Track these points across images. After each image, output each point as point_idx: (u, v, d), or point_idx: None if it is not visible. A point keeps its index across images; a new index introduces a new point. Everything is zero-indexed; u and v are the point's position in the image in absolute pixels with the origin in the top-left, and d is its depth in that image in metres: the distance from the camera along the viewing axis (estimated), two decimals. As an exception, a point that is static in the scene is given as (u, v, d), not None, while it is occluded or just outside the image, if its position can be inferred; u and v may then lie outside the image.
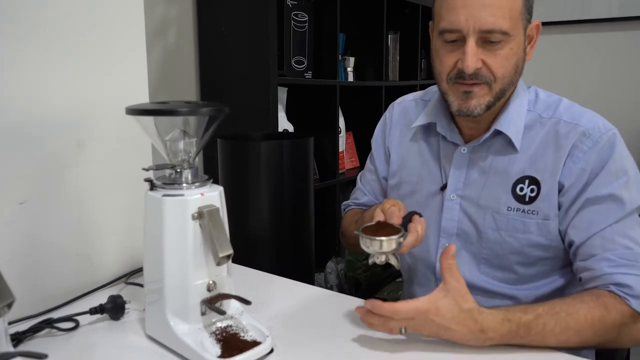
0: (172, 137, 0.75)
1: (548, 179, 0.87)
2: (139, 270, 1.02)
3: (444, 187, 0.98)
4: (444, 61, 0.87)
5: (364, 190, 1.17)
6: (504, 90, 0.87)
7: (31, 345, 0.77)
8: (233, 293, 0.79)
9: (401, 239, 0.75)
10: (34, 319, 0.83)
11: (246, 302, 0.75)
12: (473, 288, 0.92)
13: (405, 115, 1.09)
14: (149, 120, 0.72)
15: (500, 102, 0.89)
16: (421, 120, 1.01)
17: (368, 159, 1.17)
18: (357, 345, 0.77)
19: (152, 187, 0.75)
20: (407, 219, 0.82)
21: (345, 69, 2.21)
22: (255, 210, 1.29)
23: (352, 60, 2.24)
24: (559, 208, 0.87)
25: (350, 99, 2.24)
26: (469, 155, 0.95)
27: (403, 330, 0.74)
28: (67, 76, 0.90)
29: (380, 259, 0.76)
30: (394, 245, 0.75)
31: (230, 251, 0.73)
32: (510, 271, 0.93)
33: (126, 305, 0.86)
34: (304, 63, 1.90)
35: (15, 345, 0.75)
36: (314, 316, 0.87)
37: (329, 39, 1.95)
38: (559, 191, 0.87)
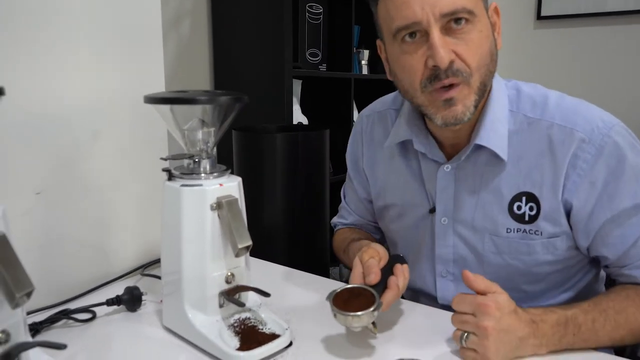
0: (191, 127, 0.74)
1: (548, 195, 0.78)
2: (155, 261, 1.02)
3: (433, 210, 0.89)
4: (411, 67, 0.75)
5: (349, 210, 1.10)
6: (484, 84, 0.76)
7: (49, 336, 0.76)
8: (251, 285, 0.78)
9: (375, 312, 0.68)
10: (51, 309, 0.83)
11: (265, 294, 0.74)
12: None
13: (376, 130, 0.98)
14: (167, 109, 0.71)
15: (480, 103, 0.78)
16: (395, 138, 0.91)
17: (347, 174, 1.08)
18: (374, 339, 0.75)
19: (170, 177, 0.74)
20: (389, 269, 0.77)
21: (359, 62, 2.19)
22: (270, 203, 1.28)
23: (366, 53, 2.22)
24: (571, 227, 0.80)
25: (364, 92, 2.22)
26: (454, 172, 0.85)
27: (464, 341, 0.67)
28: (82, 67, 0.89)
29: (356, 329, 0.71)
30: (367, 319, 0.68)
31: (250, 242, 0.72)
32: (518, 290, 0.86)
33: (143, 297, 0.85)
34: (318, 55, 1.88)
35: (33, 336, 0.75)
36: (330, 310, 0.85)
37: (343, 32, 1.94)
38: (568, 211, 0.78)
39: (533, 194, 0.80)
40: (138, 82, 0.98)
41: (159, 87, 1.03)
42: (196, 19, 1.75)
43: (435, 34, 0.71)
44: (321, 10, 1.85)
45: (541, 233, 0.80)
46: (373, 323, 0.71)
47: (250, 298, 0.79)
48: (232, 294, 0.74)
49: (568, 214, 0.79)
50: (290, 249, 1.34)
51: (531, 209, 0.80)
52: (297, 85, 1.81)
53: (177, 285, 0.74)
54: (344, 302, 0.71)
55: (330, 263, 1.49)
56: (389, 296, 0.73)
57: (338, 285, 0.76)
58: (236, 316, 0.76)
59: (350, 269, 0.82)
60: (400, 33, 0.74)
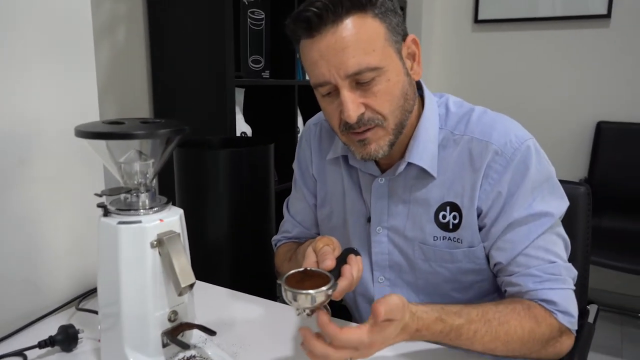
0: (127, 159, 0.70)
1: (467, 204, 0.84)
2: (91, 291, 0.96)
3: (369, 219, 0.93)
4: (329, 115, 0.82)
5: (294, 222, 1.08)
6: (401, 123, 0.81)
7: (-27, 387, 0.70)
8: (196, 321, 0.75)
9: (330, 291, 0.65)
10: (-24, 354, 0.77)
11: (211, 332, 0.72)
12: None
13: (323, 138, 1.02)
14: (102, 142, 0.67)
15: (406, 129, 0.83)
16: (334, 153, 0.95)
17: (293, 185, 1.09)
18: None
19: (106, 213, 0.70)
20: (342, 259, 0.75)
21: (303, 67, 2.17)
22: (214, 221, 1.25)
23: (309, 57, 2.20)
24: (480, 231, 0.85)
25: (308, 97, 2.21)
26: (388, 185, 0.90)
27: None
28: (6, 90, 0.82)
29: (307, 312, 0.66)
30: (321, 299, 0.65)
31: (193, 280, 0.69)
32: (448, 297, 0.91)
33: (79, 335, 0.80)
34: (261, 62, 1.84)
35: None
36: (279, 336, 0.84)
37: (286, 37, 1.91)
38: (478, 216, 0.84)
39: (456, 204, 0.85)
40: (69, 103, 0.92)
41: (92, 105, 0.97)
42: (132, 25, 1.67)
43: (344, 92, 0.76)
44: (263, 16, 1.82)
45: (462, 241, 0.86)
46: (325, 308, 0.67)
47: (195, 334, 0.76)
48: (175, 334, 0.71)
49: (478, 220, 0.85)
50: (235, 266, 1.31)
51: (454, 217, 0.86)
52: (239, 94, 1.76)
53: (116, 326, 0.70)
54: (297, 282, 0.67)
55: (280, 275, 1.47)
56: (342, 284, 0.70)
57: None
58: (181, 355, 0.73)
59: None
60: (316, 87, 0.80)
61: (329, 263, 0.70)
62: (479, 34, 2.87)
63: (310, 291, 0.64)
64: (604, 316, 2.45)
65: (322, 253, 0.73)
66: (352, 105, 0.76)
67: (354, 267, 0.72)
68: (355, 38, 0.74)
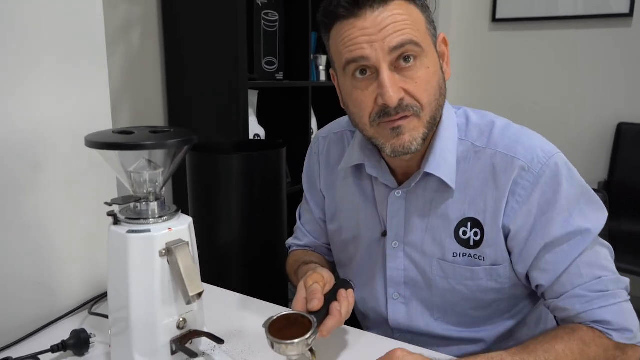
0: (137, 168, 0.71)
1: (490, 221, 0.80)
2: (103, 295, 0.98)
3: (385, 233, 0.90)
4: (361, 102, 0.77)
5: (304, 231, 1.09)
6: (434, 117, 0.78)
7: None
8: (205, 329, 0.75)
9: (310, 340, 0.68)
10: (-9, 357, 0.78)
11: (219, 340, 0.72)
12: (430, 336, 0.90)
13: (332, 152, 0.99)
14: (112, 152, 0.68)
15: (429, 136, 0.80)
16: (348, 162, 0.92)
17: (304, 195, 1.08)
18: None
19: (116, 221, 0.71)
20: (333, 294, 0.76)
21: (317, 68, 2.17)
22: (226, 223, 1.25)
23: (324, 58, 2.20)
24: (510, 253, 0.82)
25: (322, 98, 2.20)
26: (405, 198, 0.87)
27: None
28: (19, 95, 0.83)
29: (293, 358, 0.69)
30: (300, 350, 0.68)
31: (201, 289, 0.69)
32: (465, 316, 0.88)
33: (91, 340, 0.81)
34: (274, 64, 1.85)
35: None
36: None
37: (300, 39, 1.91)
38: (507, 236, 0.81)
39: (477, 220, 0.82)
40: (82, 110, 0.93)
41: (105, 113, 0.98)
42: (146, 27, 1.68)
43: (385, 73, 0.73)
44: (277, 18, 1.82)
45: (484, 259, 0.82)
46: (311, 350, 0.70)
47: (204, 341, 0.77)
48: (184, 341, 0.71)
49: (506, 240, 0.81)
50: (247, 269, 1.32)
51: (476, 234, 0.82)
52: (253, 96, 1.77)
53: (125, 333, 0.71)
54: (280, 329, 0.70)
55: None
56: (330, 323, 0.73)
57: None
58: (189, 362, 0.73)
59: None
60: (349, 66, 0.76)
61: (316, 304, 0.73)
62: (497, 33, 2.83)
63: (293, 341, 0.67)
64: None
65: (310, 292, 0.75)
66: (394, 86, 0.73)
67: (343, 304, 0.75)
68: (401, 18, 0.73)
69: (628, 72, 2.50)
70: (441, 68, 0.80)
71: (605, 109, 2.57)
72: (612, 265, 0.80)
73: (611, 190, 2.43)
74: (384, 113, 0.75)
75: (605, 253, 0.80)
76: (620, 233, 2.32)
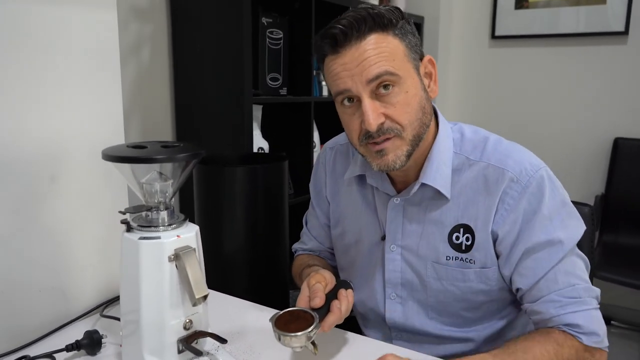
0: (149, 180, 0.77)
1: (481, 227, 0.88)
2: (114, 299, 1.03)
3: (384, 237, 0.98)
4: (350, 126, 0.86)
5: (310, 235, 1.17)
6: (419, 135, 0.86)
7: (7, 386, 0.77)
8: (209, 330, 0.81)
9: (312, 333, 0.76)
10: (10, 355, 0.84)
11: (222, 340, 0.77)
12: (425, 335, 0.97)
13: (337, 162, 1.08)
14: (125, 165, 0.74)
15: (422, 148, 0.88)
16: (352, 172, 1.00)
17: (310, 202, 1.16)
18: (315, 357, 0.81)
19: (129, 229, 0.77)
20: (333, 294, 0.84)
21: (319, 83, 2.24)
22: (231, 233, 1.31)
23: (326, 74, 2.27)
24: (498, 256, 0.89)
25: (324, 112, 2.27)
26: (403, 205, 0.95)
27: None
28: (39, 109, 0.90)
29: (296, 349, 0.78)
30: (303, 342, 0.76)
31: (207, 292, 0.75)
32: (457, 316, 0.95)
33: (103, 340, 0.87)
34: (279, 80, 1.91)
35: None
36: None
37: (303, 56, 1.98)
38: (495, 240, 0.88)
39: (469, 226, 0.89)
40: (95, 124, 1.00)
41: (118, 126, 1.04)
42: (156, 45, 1.76)
43: (366, 101, 0.81)
44: (281, 36, 1.89)
45: (474, 262, 0.90)
46: (313, 343, 0.78)
47: (208, 341, 0.82)
48: (190, 341, 0.77)
49: (495, 244, 0.88)
50: (250, 276, 1.37)
51: (467, 239, 0.90)
52: (257, 111, 1.84)
53: (135, 332, 0.77)
54: (285, 323, 0.78)
55: (292, 285, 1.52)
56: (330, 319, 0.80)
57: None
58: (195, 361, 0.79)
59: None
60: (338, 97, 0.85)
61: (318, 301, 0.81)
62: (496, 49, 2.90)
63: (296, 333, 0.75)
64: (622, 333, 2.43)
65: (313, 290, 0.83)
66: (373, 113, 0.81)
67: (343, 303, 0.82)
68: (377, 51, 0.80)
69: (624, 88, 2.56)
70: (425, 88, 0.87)
71: (602, 125, 2.63)
72: (586, 276, 0.87)
73: (608, 204, 2.47)
74: (368, 136, 0.84)
75: (580, 265, 0.87)
76: (617, 246, 2.36)
